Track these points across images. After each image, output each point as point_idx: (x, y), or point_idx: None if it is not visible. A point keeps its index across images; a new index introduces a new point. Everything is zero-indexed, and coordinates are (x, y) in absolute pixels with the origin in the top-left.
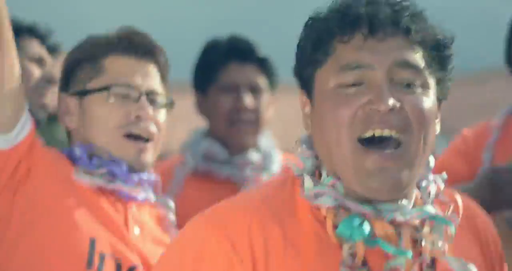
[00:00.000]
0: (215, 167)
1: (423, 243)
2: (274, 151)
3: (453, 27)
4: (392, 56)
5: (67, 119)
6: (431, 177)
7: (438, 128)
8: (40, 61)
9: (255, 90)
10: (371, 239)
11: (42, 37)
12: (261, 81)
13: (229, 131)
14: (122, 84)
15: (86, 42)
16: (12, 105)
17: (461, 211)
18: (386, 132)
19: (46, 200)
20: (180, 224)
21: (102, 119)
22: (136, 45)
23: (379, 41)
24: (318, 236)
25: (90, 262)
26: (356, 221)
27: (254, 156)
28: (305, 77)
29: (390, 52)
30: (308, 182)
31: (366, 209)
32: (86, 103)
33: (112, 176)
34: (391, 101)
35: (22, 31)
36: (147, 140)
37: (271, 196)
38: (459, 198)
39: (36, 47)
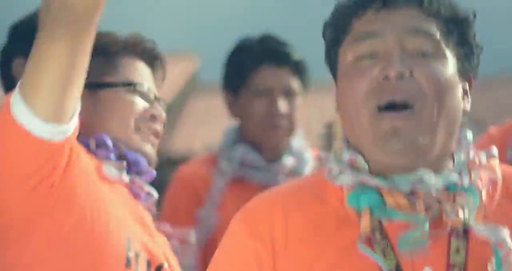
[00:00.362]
0: (250, 173)
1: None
2: (306, 151)
3: (493, 28)
4: (403, 24)
5: (81, 108)
6: (470, 151)
7: (467, 105)
8: None
9: (288, 94)
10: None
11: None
12: (295, 84)
13: (263, 136)
14: (143, 84)
15: (98, 37)
16: (78, 95)
17: (500, 184)
18: (398, 98)
19: (83, 194)
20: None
21: (122, 113)
22: (148, 52)
23: (391, 12)
24: (341, 216)
25: (128, 262)
26: (366, 190)
27: (288, 160)
28: (332, 62)
29: (401, 20)
30: (330, 162)
31: (379, 182)
32: (104, 96)
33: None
34: (400, 67)
35: None
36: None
37: (302, 184)
38: (499, 170)
39: None
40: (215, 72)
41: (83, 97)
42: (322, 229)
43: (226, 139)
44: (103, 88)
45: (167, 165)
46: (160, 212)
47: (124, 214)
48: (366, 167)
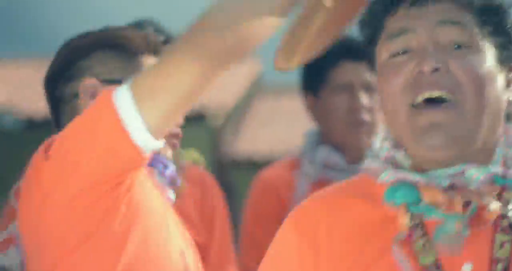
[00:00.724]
0: (333, 175)
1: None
2: None
3: None
4: (434, 18)
5: None
6: None
7: (510, 96)
8: None
9: (368, 88)
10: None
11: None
12: (373, 79)
13: (347, 133)
14: None
15: (117, 33)
16: (178, 120)
17: None
18: (436, 94)
19: (142, 205)
20: None
21: None
22: (160, 49)
23: (422, 7)
24: (385, 214)
25: None
26: (403, 187)
27: None
28: (371, 58)
29: (433, 14)
30: (372, 159)
31: (417, 177)
32: None
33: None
34: (433, 61)
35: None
36: None
37: (350, 183)
38: None
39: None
40: (279, 75)
41: None
42: (366, 228)
43: (307, 141)
44: None
45: (232, 166)
46: (235, 216)
47: (173, 225)
48: (407, 162)
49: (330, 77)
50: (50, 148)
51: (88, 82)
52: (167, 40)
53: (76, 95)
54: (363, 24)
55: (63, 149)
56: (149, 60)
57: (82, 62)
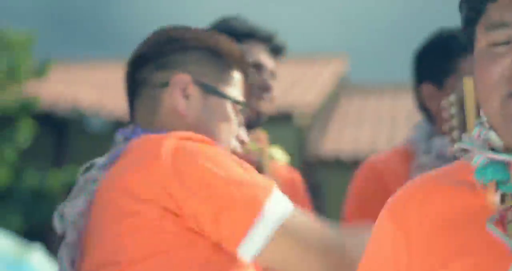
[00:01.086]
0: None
1: None
2: None
3: None
4: None
5: (187, 103)
6: None
7: None
8: (257, 67)
9: None
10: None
11: (263, 40)
12: None
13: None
14: (243, 104)
15: (220, 40)
16: None
17: None
18: None
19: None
20: None
21: (227, 128)
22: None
23: None
24: (483, 203)
25: None
26: (493, 165)
27: None
28: (468, 39)
29: None
30: (465, 142)
31: (507, 156)
32: (213, 102)
33: None
34: None
35: (241, 35)
36: None
37: (449, 170)
38: None
39: (255, 53)
40: (365, 74)
41: (195, 94)
42: (461, 216)
43: (419, 133)
44: (215, 94)
45: (318, 165)
46: (321, 214)
47: None
48: (500, 143)
49: (459, 68)
50: (181, 154)
51: (183, 77)
52: (276, 49)
53: (163, 84)
54: (464, 5)
55: (202, 186)
56: (236, 76)
57: (178, 55)
